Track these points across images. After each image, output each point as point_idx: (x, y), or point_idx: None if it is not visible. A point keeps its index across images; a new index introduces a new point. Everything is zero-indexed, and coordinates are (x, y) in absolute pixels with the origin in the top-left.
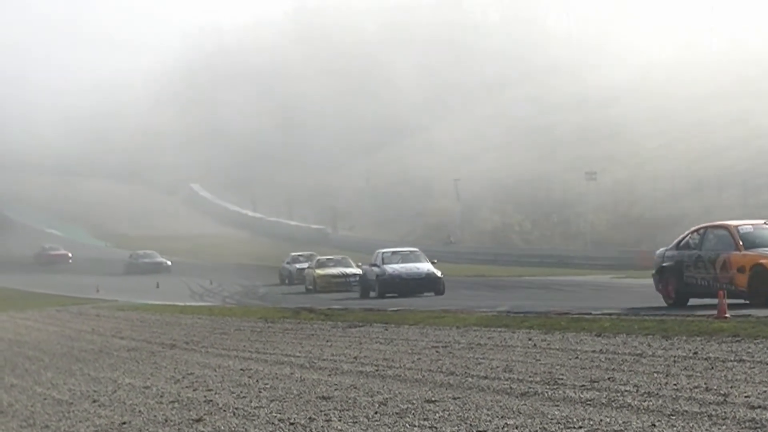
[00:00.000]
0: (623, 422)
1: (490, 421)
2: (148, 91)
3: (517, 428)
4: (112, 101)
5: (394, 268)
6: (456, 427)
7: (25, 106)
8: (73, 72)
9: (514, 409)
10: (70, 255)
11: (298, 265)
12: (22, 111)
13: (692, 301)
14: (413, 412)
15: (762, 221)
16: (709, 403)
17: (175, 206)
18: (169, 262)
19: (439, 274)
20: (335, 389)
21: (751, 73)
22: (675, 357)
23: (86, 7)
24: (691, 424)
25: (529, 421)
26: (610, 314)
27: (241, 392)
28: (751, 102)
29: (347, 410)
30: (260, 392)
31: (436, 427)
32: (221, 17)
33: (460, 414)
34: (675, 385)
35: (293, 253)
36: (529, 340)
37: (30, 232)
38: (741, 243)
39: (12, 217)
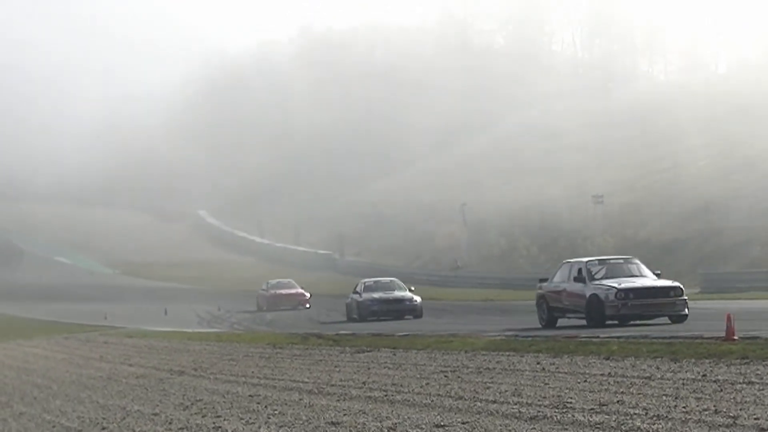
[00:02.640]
0: None
1: None
2: (153, 117)
3: None
4: (116, 129)
5: None
6: None
7: (34, 137)
8: (77, 101)
9: None
10: (307, 295)
11: None
12: (30, 145)
13: None
14: None
15: None
16: (719, 425)
17: (183, 233)
18: (417, 299)
19: None
20: (344, 415)
21: (757, 96)
22: (684, 379)
23: (90, 34)
24: None
25: None
26: (618, 337)
27: (249, 418)
28: (757, 124)
29: None
30: (269, 418)
31: None
32: (226, 43)
33: None
34: (684, 407)
35: None
36: (538, 363)
37: (38, 261)
38: None
39: (21, 245)
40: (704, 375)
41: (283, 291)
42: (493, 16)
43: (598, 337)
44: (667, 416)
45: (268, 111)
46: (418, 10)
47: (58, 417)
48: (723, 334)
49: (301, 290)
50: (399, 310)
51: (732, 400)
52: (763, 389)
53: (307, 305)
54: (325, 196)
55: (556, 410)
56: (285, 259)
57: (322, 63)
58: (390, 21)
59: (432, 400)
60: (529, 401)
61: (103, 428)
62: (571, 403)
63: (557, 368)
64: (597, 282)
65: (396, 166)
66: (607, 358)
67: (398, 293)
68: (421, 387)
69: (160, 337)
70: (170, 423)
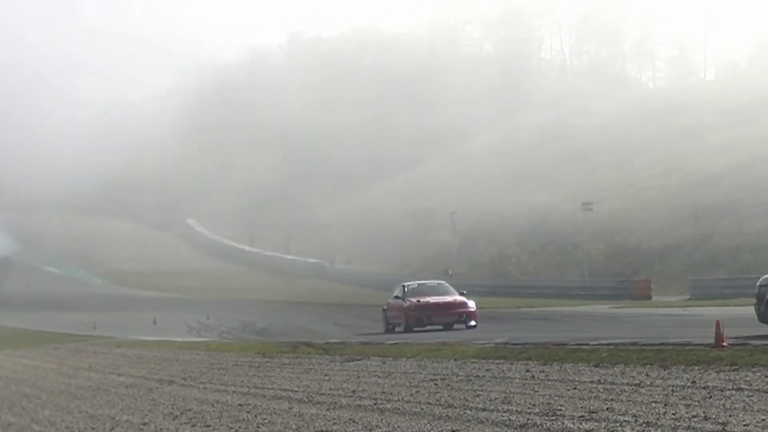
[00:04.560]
0: None
1: None
2: (143, 127)
3: None
4: (105, 137)
5: None
6: None
7: (26, 147)
8: (64, 107)
9: None
10: (472, 306)
11: None
12: (22, 152)
13: None
14: None
15: None
16: None
17: (172, 242)
18: None
19: None
20: (333, 423)
21: (745, 102)
22: (673, 386)
23: (82, 39)
24: None
25: None
26: (608, 345)
27: (239, 428)
28: (745, 130)
29: None
30: (258, 427)
31: None
32: (217, 50)
33: None
34: (674, 414)
35: None
36: (527, 371)
37: (27, 270)
38: None
39: (9, 255)
40: (693, 382)
41: (433, 299)
42: (483, 22)
43: (587, 344)
44: (656, 423)
45: (259, 119)
46: (408, 16)
47: (47, 427)
48: (712, 340)
49: (461, 297)
50: None
51: (721, 407)
52: (752, 396)
53: (473, 322)
54: (315, 203)
55: (546, 418)
56: (275, 267)
57: (312, 70)
58: (380, 27)
59: (422, 409)
60: (519, 409)
61: None
62: (560, 410)
63: (547, 376)
64: None
65: (386, 173)
66: (597, 366)
67: None
68: (410, 395)
69: (150, 346)
70: None
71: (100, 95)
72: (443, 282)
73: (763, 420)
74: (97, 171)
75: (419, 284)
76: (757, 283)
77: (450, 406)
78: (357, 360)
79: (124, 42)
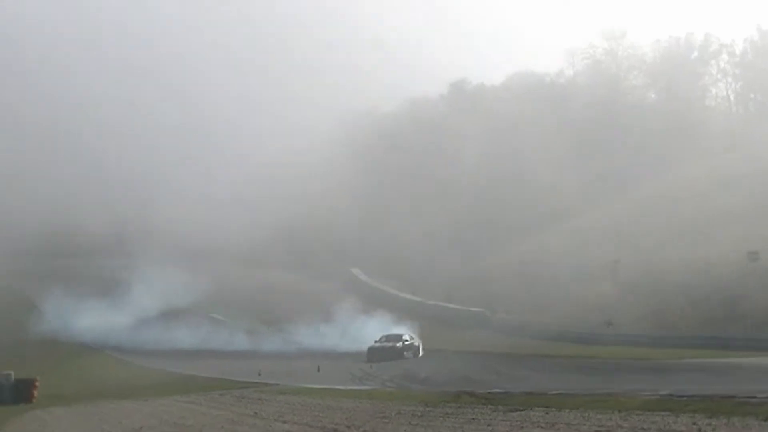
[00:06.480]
0: None
1: None
2: (305, 179)
3: None
4: (266, 191)
5: None
6: None
7: (203, 198)
8: (238, 159)
9: None
10: None
11: None
12: (199, 203)
13: None
14: None
15: None
16: None
17: (336, 291)
18: None
19: None
20: None
21: None
22: None
23: (256, 94)
24: None
25: None
26: None
27: None
28: None
29: None
30: None
31: None
32: (376, 102)
33: None
34: None
35: None
36: (694, 424)
37: (194, 318)
38: None
39: (181, 305)
40: None
41: None
42: (645, 71)
43: (755, 397)
44: None
45: (420, 169)
46: (569, 65)
47: None
48: None
49: None
50: None
51: None
52: None
53: None
54: (475, 253)
55: None
56: (437, 316)
57: (473, 119)
58: (542, 77)
59: None
60: None
61: None
62: None
63: (714, 429)
64: None
65: (547, 222)
66: (767, 420)
67: None
68: None
69: (313, 394)
70: None
71: (255, 152)
72: None
73: None
74: (266, 222)
75: None
76: None
77: None
78: (520, 410)
79: (295, 96)
